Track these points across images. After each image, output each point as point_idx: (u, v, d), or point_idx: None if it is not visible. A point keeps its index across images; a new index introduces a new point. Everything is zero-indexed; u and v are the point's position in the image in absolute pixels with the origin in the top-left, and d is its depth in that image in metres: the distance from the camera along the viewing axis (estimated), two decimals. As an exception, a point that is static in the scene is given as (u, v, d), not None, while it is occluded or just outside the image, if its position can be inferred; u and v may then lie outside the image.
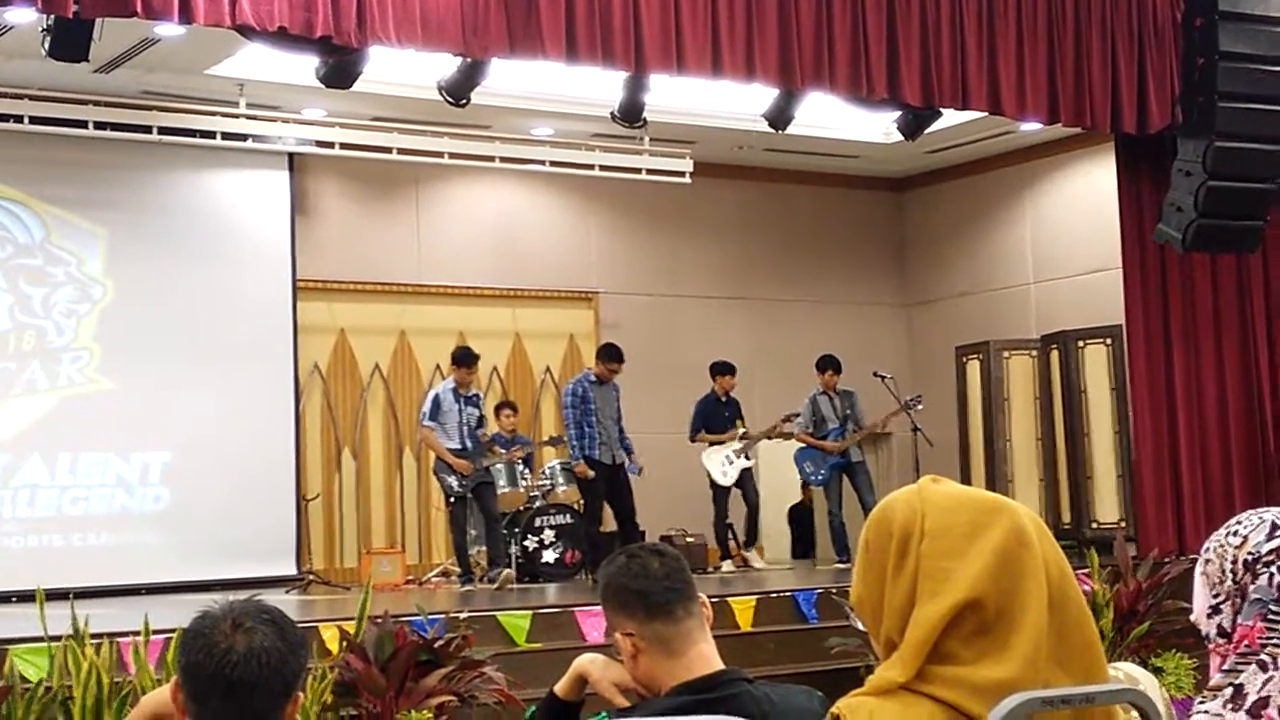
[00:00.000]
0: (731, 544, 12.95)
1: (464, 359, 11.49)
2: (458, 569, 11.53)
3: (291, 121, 12.33)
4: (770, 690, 2.91)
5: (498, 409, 12.56)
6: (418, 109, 11.89)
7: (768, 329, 15.01)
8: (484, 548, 11.71)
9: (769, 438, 12.93)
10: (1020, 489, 13.22)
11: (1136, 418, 12.45)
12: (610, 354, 12.11)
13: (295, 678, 2.41)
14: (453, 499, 11.30)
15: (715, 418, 12.75)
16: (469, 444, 11.30)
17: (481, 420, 11.52)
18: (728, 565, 12.63)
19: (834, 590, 9.54)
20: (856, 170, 15.46)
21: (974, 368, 13.88)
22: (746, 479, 12.69)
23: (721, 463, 12.59)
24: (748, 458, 12.67)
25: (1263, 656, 2.23)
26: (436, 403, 11.33)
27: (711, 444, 12.68)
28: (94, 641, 6.69)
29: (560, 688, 3.09)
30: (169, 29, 9.70)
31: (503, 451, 11.95)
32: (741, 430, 12.72)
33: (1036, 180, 14.88)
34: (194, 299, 12.37)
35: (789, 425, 12.80)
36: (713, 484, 12.62)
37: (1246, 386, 12.20)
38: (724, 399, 12.84)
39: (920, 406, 12.77)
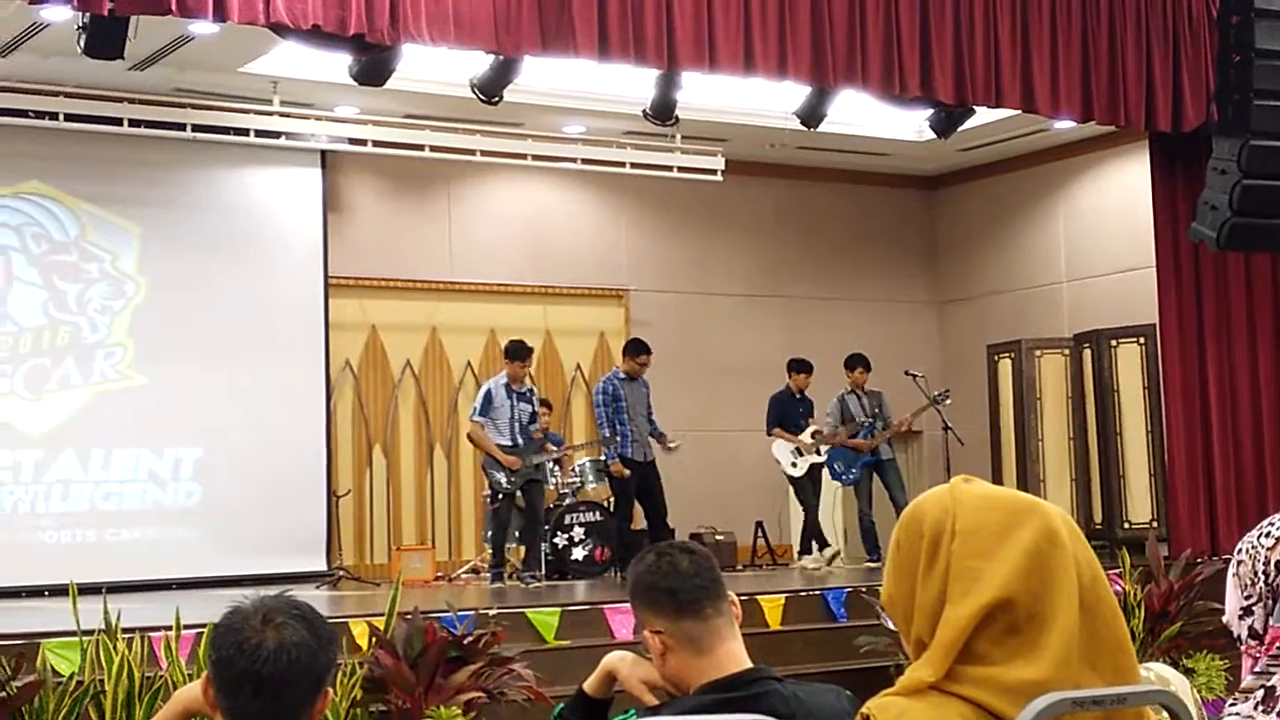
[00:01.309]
0: (761, 543, 12.92)
1: (517, 353, 11.40)
2: (487, 565, 11.53)
3: (324, 119, 12.37)
4: (799, 689, 2.90)
5: (531, 406, 12.55)
6: (450, 106, 11.91)
7: (798, 327, 14.97)
8: (518, 544, 11.72)
9: (832, 444, 12.76)
10: (1052, 488, 13.17)
11: (1169, 417, 12.38)
12: (637, 348, 12.10)
13: (325, 673, 2.42)
14: (500, 495, 11.26)
15: (789, 413, 12.74)
16: (520, 440, 11.26)
17: (534, 416, 11.46)
18: (810, 560, 12.50)
19: (863, 589, 9.53)
20: (889, 168, 15.42)
21: (1006, 366, 13.82)
22: (816, 476, 12.64)
23: (790, 453, 12.57)
24: (819, 453, 12.62)
25: (1296, 658, 2.21)
26: (488, 398, 11.28)
27: (784, 439, 12.63)
28: (126, 636, 6.72)
29: (589, 685, 3.09)
30: (203, 27, 9.74)
31: (555, 449, 11.92)
32: (813, 428, 12.69)
33: (1070, 178, 14.82)
34: (226, 295, 12.42)
35: (849, 427, 12.73)
36: (790, 478, 12.59)
37: (1280, 386, 12.12)
38: (798, 395, 12.83)
39: (948, 401, 12.73)
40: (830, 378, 13.12)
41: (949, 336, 15.93)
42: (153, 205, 12.35)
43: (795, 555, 12.94)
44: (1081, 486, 13.42)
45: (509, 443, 11.19)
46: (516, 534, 11.69)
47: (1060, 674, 1.86)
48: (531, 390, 11.65)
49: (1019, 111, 11.14)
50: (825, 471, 12.76)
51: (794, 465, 12.58)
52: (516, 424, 11.25)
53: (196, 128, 11.82)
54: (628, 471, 11.73)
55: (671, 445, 11.93)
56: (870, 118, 13.07)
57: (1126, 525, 12.97)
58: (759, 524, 13.36)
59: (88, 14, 8.18)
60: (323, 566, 12.33)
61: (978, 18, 10.36)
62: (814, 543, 12.62)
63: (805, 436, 12.62)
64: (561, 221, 14.28)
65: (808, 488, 12.63)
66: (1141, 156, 12.90)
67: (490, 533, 11.59)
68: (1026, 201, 15.21)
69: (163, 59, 11.04)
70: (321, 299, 12.89)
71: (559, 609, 8.83)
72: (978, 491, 1.97)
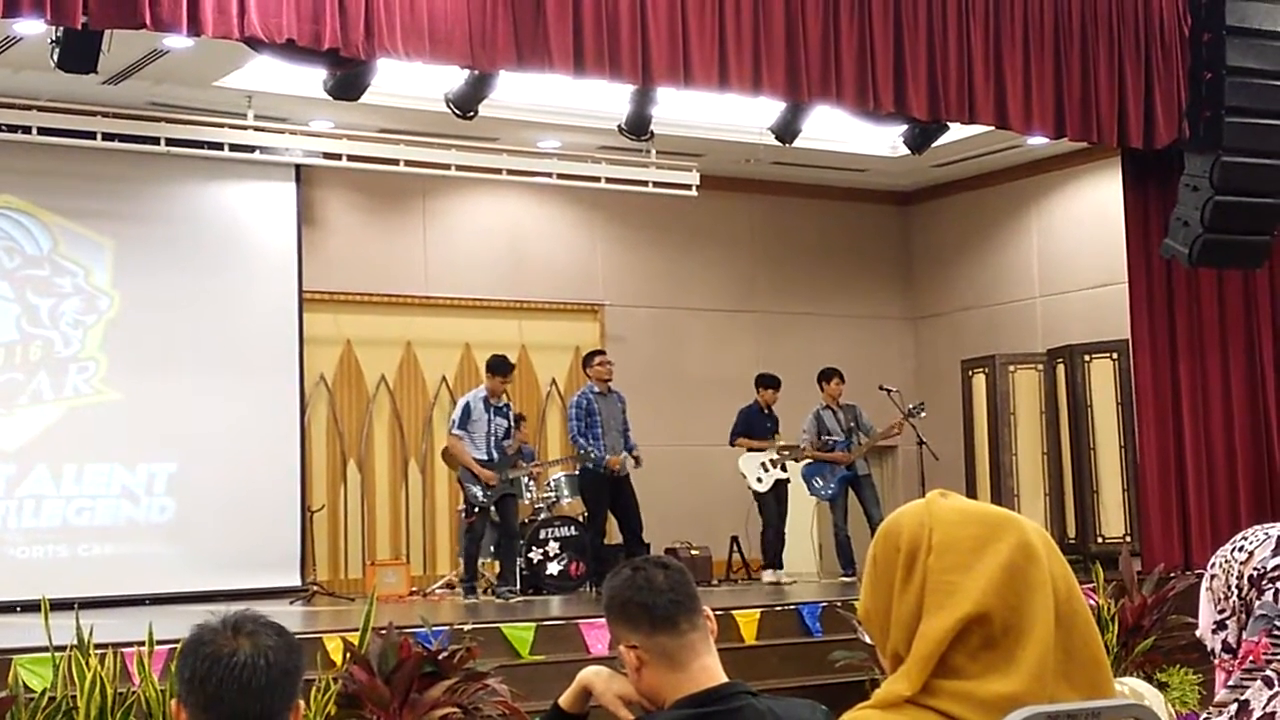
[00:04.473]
0: (736, 558, 12.91)
1: (499, 368, 11.44)
2: (460, 578, 11.51)
3: (299, 133, 12.35)
4: (774, 703, 2.90)
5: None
6: (425, 121, 11.90)
7: (773, 342, 15.00)
8: (491, 559, 11.70)
9: (799, 459, 12.77)
10: (1026, 503, 13.21)
11: (1142, 432, 12.44)
12: (591, 357, 12.16)
13: (299, 676, 2.45)
14: (475, 509, 11.26)
15: (757, 427, 12.73)
16: (495, 454, 11.28)
17: (509, 431, 11.49)
18: (769, 575, 12.50)
19: (838, 603, 9.54)
20: (863, 184, 15.46)
21: (980, 381, 13.87)
22: (781, 494, 12.63)
23: (757, 468, 12.56)
24: (784, 470, 12.62)
25: (1268, 672, 2.22)
26: (467, 411, 11.32)
27: (750, 449, 12.62)
28: (98, 651, 6.68)
29: (564, 700, 3.09)
30: (177, 41, 9.71)
31: (526, 465, 11.93)
32: (781, 442, 12.69)
33: (1043, 194, 14.89)
34: (200, 310, 12.38)
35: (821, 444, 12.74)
36: (754, 493, 12.57)
37: (1252, 401, 12.17)
38: (766, 410, 12.83)
39: (923, 414, 12.75)
40: (805, 392, 13.14)
41: (923, 352, 15.97)
42: (126, 219, 12.32)
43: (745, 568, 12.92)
44: (1055, 501, 13.46)
45: (484, 457, 11.21)
46: (491, 548, 11.69)
47: (1035, 688, 1.86)
48: (508, 405, 11.67)
49: (992, 128, 11.19)
50: (789, 491, 12.74)
51: (759, 480, 12.55)
52: (492, 438, 11.28)
53: (170, 142, 11.79)
54: (609, 458, 11.62)
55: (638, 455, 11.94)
56: (844, 133, 13.11)
57: (1100, 539, 13.02)
58: (734, 539, 13.35)
59: (61, 28, 8.16)
60: (297, 582, 12.29)
61: (951, 34, 10.40)
62: (770, 559, 12.63)
63: (772, 449, 12.61)
64: (536, 236, 14.28)
65: (770, 505, 12.60)
66: (1114, 173, 12.97)
67: (463, 546, 11.58)
68: (1000, 217, 15.27)
69: (137, 73, 11.01)
70: (296, 313, 12.86)
71: (534, 624, 8.83)
72: (954, 506, 1.98)
